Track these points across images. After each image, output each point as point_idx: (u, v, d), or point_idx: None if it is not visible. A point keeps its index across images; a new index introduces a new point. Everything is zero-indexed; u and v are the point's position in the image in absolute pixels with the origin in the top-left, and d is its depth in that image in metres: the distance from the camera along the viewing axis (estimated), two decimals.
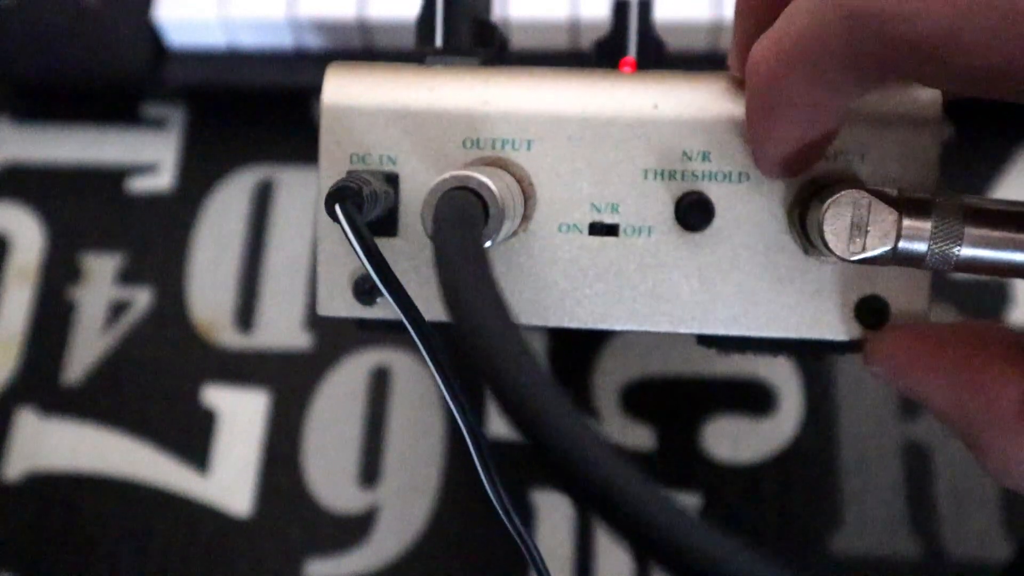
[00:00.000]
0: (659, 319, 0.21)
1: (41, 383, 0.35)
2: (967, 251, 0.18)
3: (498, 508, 0.21)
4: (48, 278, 0.37)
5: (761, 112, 0.18)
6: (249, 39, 0.36)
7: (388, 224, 0.22)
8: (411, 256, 0.22)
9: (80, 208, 0.38)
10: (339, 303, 0.22)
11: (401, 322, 0.21)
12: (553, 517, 0.32)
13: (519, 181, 0.21)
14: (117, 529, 0.33)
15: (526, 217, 0.21)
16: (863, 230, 0.18)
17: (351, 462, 0.33)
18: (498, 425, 0.33)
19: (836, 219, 0.19)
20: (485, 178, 0.18)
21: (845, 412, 0.33)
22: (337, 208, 0.19)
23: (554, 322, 0.22)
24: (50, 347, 0.36)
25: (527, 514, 0.32)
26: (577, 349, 0.34)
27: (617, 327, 0.22)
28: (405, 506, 0.33)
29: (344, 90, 0.22)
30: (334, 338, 0.35)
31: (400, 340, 0.35)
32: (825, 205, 0.19)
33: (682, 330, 0.22)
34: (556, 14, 0.34)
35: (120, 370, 0.35)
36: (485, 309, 0.14)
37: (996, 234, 0.18)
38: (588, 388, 0.33)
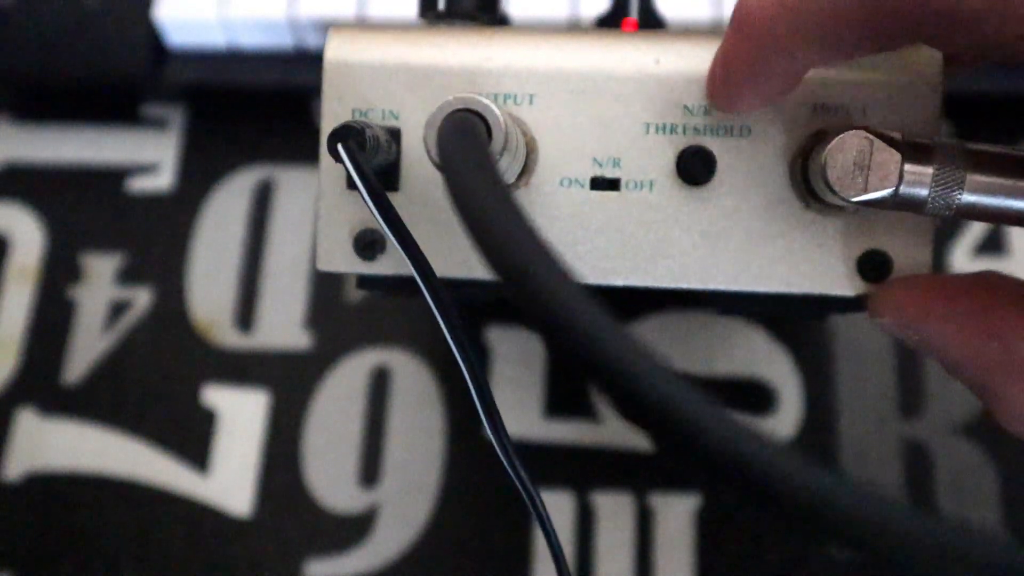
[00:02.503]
0: (661, 274, 0.21)
1: (41, 383, 0.35)
2: (968, 196, 0.18)
3: (506, 464, 0.21)
4: (48, 278, 0.37)
5: (746, 62, 0.18)
6: (249, 39, 0.36)
7: (390, 178, 0.22)
8: (413, 211, 0.22)
9: (80, 208, 0.38)
10: (339, 258, 0.22)
11: (401, 279, 0.21)
12: (553, 517, 0.32)
13: (522, 135, 0.21)
14: (117, 529, 0.33)
15: (528, 171, 0.21)
16: (865, 171, 0.18)
17: (351, 462, 0.33)
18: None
19: (839, 159, 0.19)
20: (488, 101, 0.18)
21: (845, 412, 0.33)
22: (339, 147, 0.19)
23: None
24: (50, 347, 0.36)
25: (527, 515, 0.32)
26: None
27: (619, 283, 0.21)
28: (405, 506, 0.33)
29: (347, 47, 0.22)
30: (334, 338, 0.35)
31: (400, 339, 0.35)
32: (829, 145, 0.19)
33: (683, 286, 0.21)
34: (556, 14, 0.34)
35: (120, 370, 0.35)
36: (509, 225, 0.14)
37: (998, 180, 0.18)
38: (588, 388, 0.33)
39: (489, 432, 0.21)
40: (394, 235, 0.19)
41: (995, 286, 0.19)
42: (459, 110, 0.18)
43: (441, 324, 0.20)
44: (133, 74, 0.36)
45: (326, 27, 0.35)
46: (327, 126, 0.21)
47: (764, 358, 0.33)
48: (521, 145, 0.21)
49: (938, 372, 0.33)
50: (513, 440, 0.33)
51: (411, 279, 0.21)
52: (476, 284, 0.22)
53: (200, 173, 0.38)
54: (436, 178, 0.21)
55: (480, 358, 0.34)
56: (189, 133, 0.39)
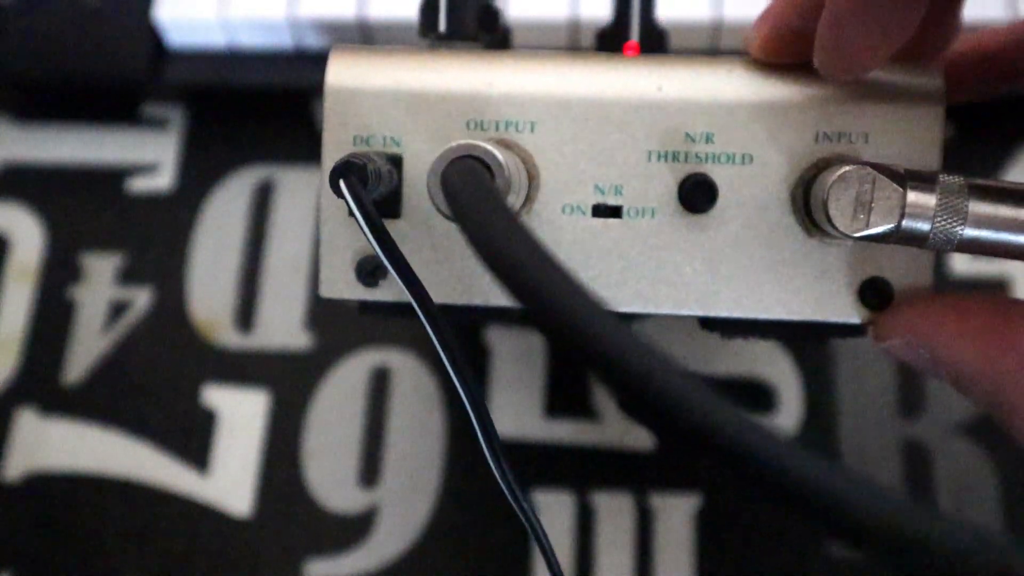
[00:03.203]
0: (662, 301, 0.21)
1: (41, 383, 0.35)
2: (970, 231, 0.18)
3: (504, 488, 0.21)
4: (48, 278, 0.37)
5: (859, 12, 0.17)
6: (249, 39, 0.36)
7: (391, 206, 0.22)
8: (414, 238, 0.22)
9: (80, 208, 0.38)
10: (341, 285, 0.22)
11: (403, 305, 0.21)
12: (553, 517, 0.32)
13: (523, 162, 0.21)
14: (117, 529, 0.33)
15: (529, 199, 0.21)
16: (867, 206, 0.18)
17: (351, 462, 0.33)
18: (499, 425, 0.33)
19: (841, 195, 0.19)
20: (491, 147, 0.18)
21: (845, 412, 0.33)
22: (341, 183, 0.19)
23: None
24: (50, 347, 0.36)
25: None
26: None
27: (621, 309, 0.22)
28: (405, 506, 0.33)
29: (348, 72, 0.22)
30: (334, 338, 0.35)
31: (400, 340, 0.35)
32: (830, 180, 0.19)
33: (685, 312, 0.21)
34: (556, 14, 0.34)
35: (120, 370, 0.35)
36: (547, 281, 0.14)
37: (1001, 214, 0.18)
38: (588, 388, 0.33)
39: (490, 462, 0.21)
40: (394, 269, 0.19)
41: (1004, 302, 0.19)
42: (462, 157, 0.18)
43: (442, 356, 0.20)
44: (133, 74, 0.36)
45: (326, 27, 0.35)
46: (328, 153, 0.22)
47: (764, 358, 0.33)
48: (523, 180, 0.21)
49: None
50: (513, 440, 0.33)
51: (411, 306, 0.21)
52: (476, 310, 0.22)
53: (200, 173, 0.38)
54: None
55: (479, 359, 0.34)
56: (189, 133, 0.39)
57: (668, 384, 0.13)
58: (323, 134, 0.22)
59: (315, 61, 0.36)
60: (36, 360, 0.36)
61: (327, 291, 0.22)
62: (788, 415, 0.33)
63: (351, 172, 0.19)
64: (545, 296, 0.14)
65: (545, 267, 0.14)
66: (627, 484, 0.32)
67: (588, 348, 0.13)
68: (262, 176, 0.38)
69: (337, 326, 0.35)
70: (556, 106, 0.21)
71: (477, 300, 0.22)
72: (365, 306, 0.23)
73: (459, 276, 0.22)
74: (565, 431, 0.33)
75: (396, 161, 0.21)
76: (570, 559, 0.32)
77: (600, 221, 0.21)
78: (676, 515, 0.32)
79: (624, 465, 0.32)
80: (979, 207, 0.18)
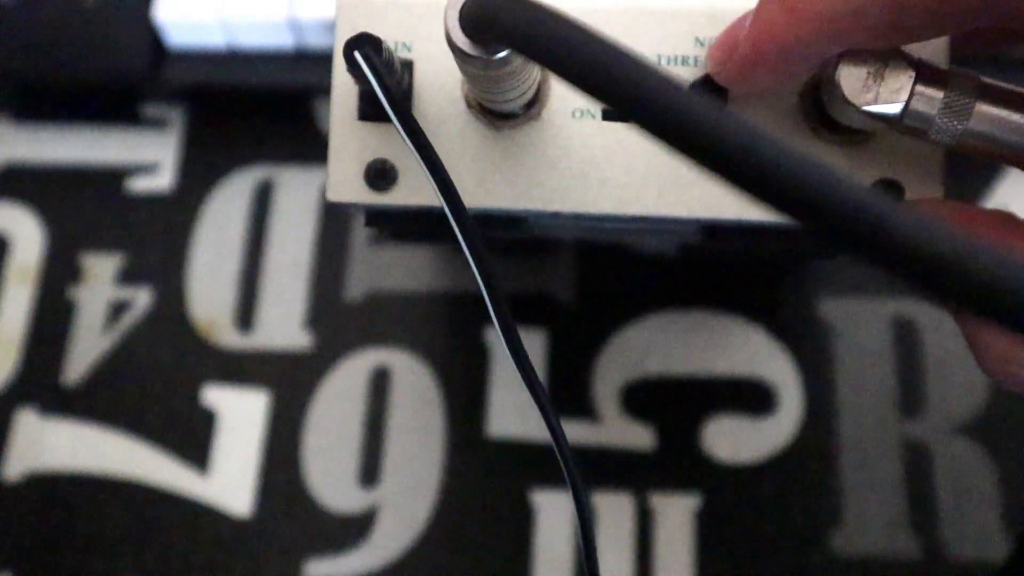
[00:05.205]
0: (676, 205, 0.21)
1: (41, 383, 0.35)
2: (974, 126, 0.18)
3: (514, 362, 0.21)
4: (48, 278, 0.37)
5: (786, 44, 0.17)
6: (249, 39, 0.36)
7: None
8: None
9: (80, 208, 0.38)
10: (350, 188, 0.22)
11: (412, 215, 0.21)
12: (553, 517, 0.32)
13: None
14: (117, 529, 0.33)
15: (540, 101, 0.21)
16: (878, 83, 0.19)
17: (351, 462, 0.33)
18: (499, 425, 0.33)
19: (854, 68, 0.19)
20: None
21: (845, 412, 0.33)
22: (357, 54, 0.18)
23: (573, 208, 0.21)
24: (50, 347, 0.36)
25: (527, 515, 0.32)
26: (577, 349, 0.34)
27: (630, 212, 0.21)
28: (405, 506, 0.33)
29: None
30: (334, 338, 0.35)
31: (400, 340, 0.35)
32: (846, 54, 0.19)
33: (699, 215, 0.21)
34: None
35: (120, 370, 0.35)
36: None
37: (1006, 115, 0.18)
38: (588, 388, 0.33)
39: (514, 363, 0.20)
40: (412, 141, 0.19)
41: (1012, 218, 0.19)
42: None
43: (464, 248, 0.19)
44: (133, 74, 0.36)
45: (326, 27, 0.35)
46: (340, 61, 0.21)
47: (764, 358, 0.33)
48: (535, 82, 0.20)
49: (938, 372, 0.33)
50: (513, 440, 0.33)
51: (421, 215, 0.21)
52: (489, 217, 0.22)
53: (200, 173, 0.38)
54: (449, 112, 0.21)
55: (479, 359, 0.34)
56: (189, 133, 0.39)
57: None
58: (335, 43, 0.22)
59: (315, 61, 0.36)
60: (36, 360, 0.36)
61: (334, 195, 0.22)
62: (788, 415, 0.33)
63: (366, 43, 0.18)
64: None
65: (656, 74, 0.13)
66: (627, 484, 0.32)
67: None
68: (262, 176, 0.38)
69: (337, 326, 0.35)
70: (567, 12, 0.21)
71: (491, 204, 0.22)
72: (372, 216, 0.22)
73: (473, 180, 0.22)
74: (565, 431, 0.33)
75: (407, 66, 0.21)
76: (571, 558, 0.32)
77: (610, 125, 0.21)
78: (676, 515, 0.32)
79: (624, 465, 0.32)
80: (986, 104, 0.18)
